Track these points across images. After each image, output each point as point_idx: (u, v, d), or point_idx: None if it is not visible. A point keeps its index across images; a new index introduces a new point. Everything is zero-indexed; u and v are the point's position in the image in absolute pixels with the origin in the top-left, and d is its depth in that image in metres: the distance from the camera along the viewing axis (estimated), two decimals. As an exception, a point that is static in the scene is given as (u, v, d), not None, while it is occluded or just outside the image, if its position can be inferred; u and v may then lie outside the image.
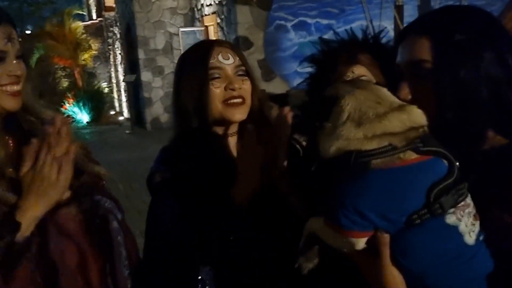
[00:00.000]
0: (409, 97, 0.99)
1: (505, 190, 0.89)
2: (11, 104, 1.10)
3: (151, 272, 1.22)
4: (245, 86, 1.29)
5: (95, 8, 17.21)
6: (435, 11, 1.12)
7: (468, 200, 0.87)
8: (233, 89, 1.26)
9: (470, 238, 0.85)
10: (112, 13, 13.51)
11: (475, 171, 0.90)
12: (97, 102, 12.95)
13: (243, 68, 1.31)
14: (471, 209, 0.87)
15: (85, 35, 13.25)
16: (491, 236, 0.87)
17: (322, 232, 0.93)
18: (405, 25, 6.69)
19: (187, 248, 1.18)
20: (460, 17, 1.00)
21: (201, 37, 9.42)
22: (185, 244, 1.18)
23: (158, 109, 10.28)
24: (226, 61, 1.29)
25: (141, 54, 9.85)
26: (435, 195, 0.83)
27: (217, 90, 1.26)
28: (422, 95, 0.97)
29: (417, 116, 0.90)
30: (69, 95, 12.69)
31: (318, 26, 8.27)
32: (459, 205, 0.85)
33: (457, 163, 0.86)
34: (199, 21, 9.63)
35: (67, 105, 12.03)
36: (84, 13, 17.81)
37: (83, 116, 12.53)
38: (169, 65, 10.06)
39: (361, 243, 0.88)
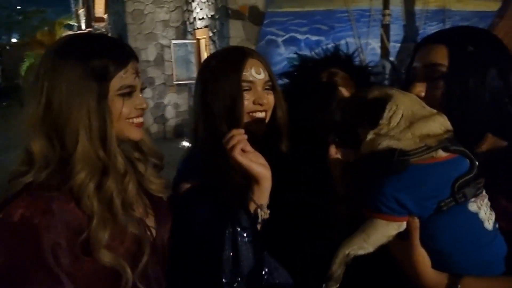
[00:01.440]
0: (422, 94, 1.15)
1: (507, 183, 1.04)
2: (137, 135, 1.20)
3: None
4: (270, 100, 1.37)
5: (85, 18, 17.22)
6: (453, 28, 1.28)
7: (485, 193, 1.01)
8: (260, 104, 1.34)
9: (489, 224, 1.00)
10: (102, 24, 13.52)
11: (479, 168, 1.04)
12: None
13: (271, 83, 1.39)
14: (487, 200, 1.01)
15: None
16: (500, 223, 1.01)
17: (362, 236, 1.01)
18: (391, 43, 6.88)
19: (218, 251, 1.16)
20: (473, 33, 1.18)
21: (192, 50, 9.51)
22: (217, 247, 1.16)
23: (148, 120, 10.31)
24: (258, 76, 1.35)
25: (132, 65, 9.90)
26: (458, 186, 0.97)
27: (245, 102, 1.33)
28: (433, 95, 1.13)
29: (448, 121, 1.03)
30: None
31: (308, 42, 8.42)
32: (478, 196, 0.99)
33: (477, 163, 1.00)
34: (191, 34, 9.72)
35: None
36: (75, 24, 17.79)
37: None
38: (160, 77, 10.12)
39: (397, 226, 1.00)
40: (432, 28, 9.65)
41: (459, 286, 0.97)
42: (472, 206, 0.99)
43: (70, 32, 13.89)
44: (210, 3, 8.46)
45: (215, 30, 8.44)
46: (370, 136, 1.02)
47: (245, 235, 1.14)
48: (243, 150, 1.16)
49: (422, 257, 1.01)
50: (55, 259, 1.03)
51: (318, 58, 1.49)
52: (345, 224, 1.12)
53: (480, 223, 0.99)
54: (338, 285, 1.03)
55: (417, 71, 1.18)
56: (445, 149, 1.00)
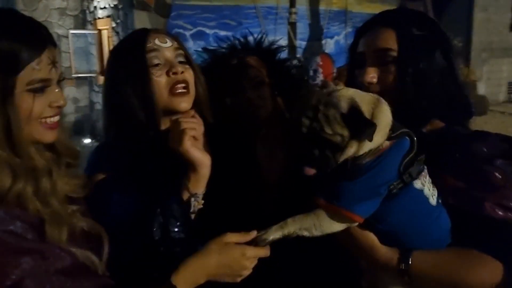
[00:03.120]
0: (374, 80, 1.15)
1: (451, 162, 1.07)
2: (50, 138, 1.03)
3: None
4: (188, 74, 1.23)
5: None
6: (395, 10, 1.29)
7: (426, 171, 1.04)
8: (175, 73, 1.19)
9: (433, 200, 1.03)
10: (-13, 10, 12.35)
11: (424, 149, 1.06)
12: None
13: (183, 53, 1.25)
14: (429, 178, 1.04)
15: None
16: (444, 198, 1.05)
17: (311, 222, 1.01)
18: (297, 41, 7.10)
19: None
20: (416, 17, 1.20)
21: (93, 41, 8.98)
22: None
23: (43, 115, 9.61)
24: (164, 44, 1.22)
25: (24, 55, 9.14)
26: (404, 166, 0.98)
27: (160, 79, 1.19)
28: (385, 80, 1.14)
29: (387, 104, 1.03)
30: None
31: (216, 36, 8.38)
32: (421, 173, 1.02)
33: (415, 138, 1.02)
34: (91, 24, 9.18)
35: None
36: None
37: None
38: (56, 69, 9.48)
39: (350, 221, 1.02)
40: (334, 28, 10.14)
41: (410, 259, 1.00)
42: (417, 184, 1.01)
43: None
44: (112, -8, 8.06)
45: (118, 21, 8.05)
46: (354, 146, 0.98)
47: (177, 224, 1.09)
48: (194, 137, 1.12)
49: (370, 237, 1.04)
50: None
51: (227, 47, 1.43)
52: (272, 212, 1.11)
53: (426, 199, 1.02)
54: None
55: (366, 57, 1.17)
56: (388, 138, 1.01)
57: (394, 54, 1.13)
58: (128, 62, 1.21)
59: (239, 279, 1.04)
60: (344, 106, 0.96)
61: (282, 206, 1.14)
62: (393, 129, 1.01)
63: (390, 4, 9.52)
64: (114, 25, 8.21)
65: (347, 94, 0.99)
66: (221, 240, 1.02)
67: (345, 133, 0.96)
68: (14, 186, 0.95)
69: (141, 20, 7.58)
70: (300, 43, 9.21)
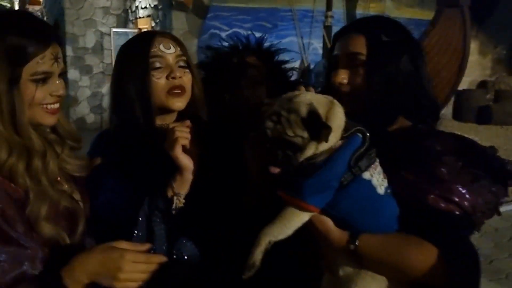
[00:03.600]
0: (345, 81, 1.24)
1: (406, 157, 1.16)
2: (50, 121, 1.18)
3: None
4: (186, 78, 1.34)
5: (18, 0, 16.42)
6: (368, 18, 1.37)
7: (377, 163, 1.12)
8: (174, 78, 1.31)
9: (380, 190, 1.11)
10: (37, 7, 12.93)
11: (387, 145, 1.16)
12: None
13: (184, 58, 1.36)
14: (379, 169, 1.12)
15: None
16: (396, 189, 1.13)
17: (281, 224, 1.09)
18: None
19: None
20: (386, 24, 1.29)
21: (133, 39, 9.32)
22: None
23: (84, 109, 9.97)
24: (168, 50, 1.33)
25: (69, 52, 9.50)
26: (354, 160, 1.07)
27: (159, 81, 1.31)
28: (354, 81, 1.23)
29: (340, 106, 1.12)
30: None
31: (251, 38, 8.45)
32: (371, 165, 1.10)
33: (368, 134, 1.10)
34: (133, 23, 9.54)
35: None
36: (7, 5, 16.88)
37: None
38: (98, 65, 9.83)
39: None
40: None
41: (357, 241, 1.09)
42: (366, 175, 1.09)
43: (2, 13, 13.14)
44: (153, -7, 8.36)
45: (157, 21, 8.34)
46: (313, 147, 1.07)
47: (159, 216, 1.20)
48: (183, 146, 1.21)
49: (326, 221, 1.12)
50: (12, 227, 1.06)
51: (229, 46, 1.52)
52: (251, 213, 1.19)
53: (373, 188, 1.09)
54: (255, 270, 1.08)
55: (339, 59, 1.27)
56: (341, 138, 1.10)
57: (363, 58, 1.22)
58: (132, 63, 1.33)
59: (117, 284, 1.04)
60: (303, 110, 1.06)
61: (264, 203, 1.20)
62: (346, 128, 1.09)
63: (429, 9, 9.43)
64: (153, 24, 8.50)
65: (305, 99, 1.08)
66: (109, 243, 1.08)
67: (305, 135, 1.05)
68: (8, 160, 1.08)
69: (178, 20, 7.83)
70: (335, 47, 9.24)
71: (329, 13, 8.55)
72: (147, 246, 1.11)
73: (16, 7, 16.29)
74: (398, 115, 1.24)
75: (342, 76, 1.25)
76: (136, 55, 1.34)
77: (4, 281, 1.04)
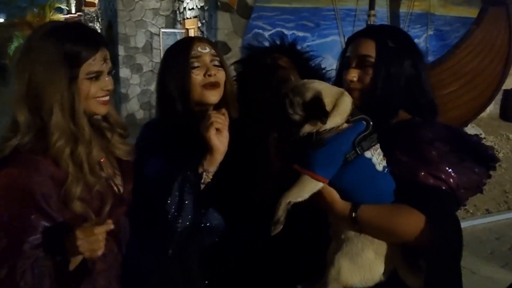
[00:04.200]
0: (355, 79, 1.44)
1: (404, 142, 1.36)
2: (102, 111, 1.41)
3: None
4: (220, 75, 1.57)
5: (75, 2, 17.21)
6: (377, 25, 1.61)
7: (378, 146, 1.34)
8: (210, 75, 1.54)
9: (379, 167, 1.33)
10: (92, 9, 13.56)
11: (389, 134, 1.37)
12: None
13: (218, 59, 1.59)
14: (379, 151, 1.34)
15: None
16: (393, 168, 1.35)
17: (298, 189, 1.32)
18: None
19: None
20: (393, 32, 1.50)
21: (181, 39, 9.64)
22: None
23: (134, 105, 10.45)
24: (204, 50, 1.57)
25: (121, 51, 9.98)
26: (357, 141, 1.30)
27: (197, 77, 1.54)
28: (363, 79, 1.43)
29: (350, 98, 1.35)
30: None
31: (293, 37, 8.57)
32: (372, 147, 1.32)
33: (371, 122, 1.33)
34: (180, 23, 9.87)
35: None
36: (66, 8, 17.73)
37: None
38: (147, 64, 10.27)
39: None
40: (415, 30, 9.92)
41: (358, 210, 1.31)
42: (367, 154, 1.31)
43: (60, 15, 13.90)
44: (200, -6, 8.65)
45: (203, 21, 8.60)
46: (309, 125, 1.31)
47: (190, 188, 1.39)
48: (217, 129, 1.40)
49: (333, 193, 1.35)
50: (48, 206, 1.26)
51: (264, 46, 1.72)
52: (270, 197, 1.37)
53: (373, 165, 1.31)
54: (282, 226, 1.31)
55: (351, 60, 1.46)
56: (347, 122, 1.32)
57: (372, 60, 1.40)
58: (175, 64, 1.57)
59: (85, 254, 1.20)
60: (308, 95, 1.30)
61: (281, 190, 1.36)
62: (352, 114, 1.32)
63: (476, 7, 9.25)
64: (199, 24, 8.80)
65: (316, 87, 1.32)
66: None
67: (303, 114, 1.29)
68: (57, 144, 1.28)
69: (224, 20, 8.06)
70: (378, 45, 9.22)
71: (372, 12, 8.50)
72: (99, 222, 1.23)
73: (73, 9, 17.13)
74: (399, 110, 1.43)
75: (353, 75, 1.43)
76: (178, 56, 1.57)
77: (40, 249, 1.24)
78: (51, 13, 12.55)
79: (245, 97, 1.65)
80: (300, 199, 1.32)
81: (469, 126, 8.03)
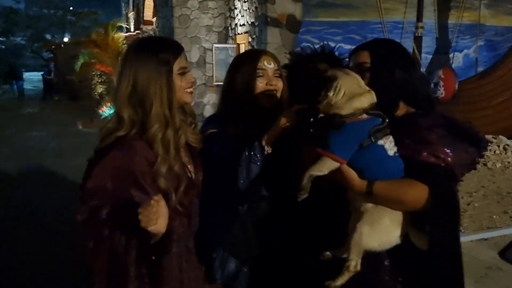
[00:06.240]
0: None
1: (408, 129, 1.61)
2: (190, 99, 1.71)
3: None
4: (279, 84, 1.92)
5: (134, 21, 18.13)
6: (374, 39, 1.84)
7: (390, 136, 1.59)
8: (271, 85, 1.89)
9: (391, 152, 1.58)
10: (150, 27, 14.27)
11: (396, 124, 1.63)
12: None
13: (279, 72, 1.94)
14: (391, 139, 1.59)
15: (125, 45, 14.00)
16: (400, 151, 1.60)
17: (319, 166, 1.58)
18: (423, 55, 7.16)
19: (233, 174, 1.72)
20: (386, 43, 1.77)
21: (233, 54, 10.04)
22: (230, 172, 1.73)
23: (188, 117, 10.86)
24: (269, 66, 1.92)
25: (176, 66, 10.43)
26: (373, 132, 1.55)
27: (260, 84, 1.89)
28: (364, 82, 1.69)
29: (374, 96, 1.61)
30: (106, 98, 13.49)
31: (340, 50, 8.66)
32: (385, 137, 1.57)
33: (387, 120, 1.58)
34: (232, 39, 10.26)
35: (105, 108, 12.78)
36: (127, 26, 18.65)
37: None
38: (201, 77, 10.72)
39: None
40: (465, 41, 9.79)
41: (373, 185, 1.56)
42: (380, 141, 1.56)
43: (121, 34, 14.76)
44: (251, 11, 8.96)
45: (254, 36, 8.90)
46: (325, 100, 1.58)
47: (256, 156, 1.70)
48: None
49: (351, 172, 1.60)
50: (144, 181, 1.54)
51: (307, 53, 2.02)
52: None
53: (385, 151, 1.56)
54: (307, 194, 1.58)
55: (353, 67, 1.72)
56: (366, 113, 1.57)
57: (368, 65, 1.66)
58: (244, 71, 1.90)
59: (149, 229, 1.38)
60: (329, 75, 1.58)
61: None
62: (371, 109, 1.56)
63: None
64: (250, 39, 9.13)
65: (339, 74, 1.56)
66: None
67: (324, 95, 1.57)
68: (153, 129, 1.55)
69: (273, 35, 8.29)
70: (426, 56, 9.16)
71: (420, 24, 8.49)
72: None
73: (132, 28, 18.08)
74: (397, 103, 1.70)
75: None
76: (247, 66, 1.92)
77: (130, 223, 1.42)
78: (113, 32, 13.34)
79: (291, 95, 1.96)
80: (320, 173, 1.57)
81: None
